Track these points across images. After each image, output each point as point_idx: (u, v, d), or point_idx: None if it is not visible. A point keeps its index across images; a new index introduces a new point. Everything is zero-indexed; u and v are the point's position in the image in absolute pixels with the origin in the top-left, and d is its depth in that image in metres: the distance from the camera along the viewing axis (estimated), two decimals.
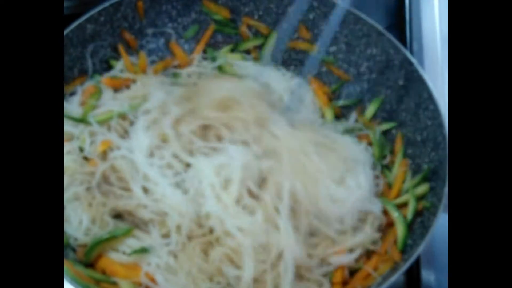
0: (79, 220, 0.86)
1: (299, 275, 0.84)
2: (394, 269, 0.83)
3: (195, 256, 0.84)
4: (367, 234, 0.88)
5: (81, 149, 0.93)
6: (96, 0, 1.19)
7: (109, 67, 1.06)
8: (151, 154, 0.91)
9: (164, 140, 0.92)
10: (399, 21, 1.27)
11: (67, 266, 0.78)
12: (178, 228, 0.85)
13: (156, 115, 0.94)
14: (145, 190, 0.88)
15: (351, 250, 0.88)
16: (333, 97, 1.09)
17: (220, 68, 1.08)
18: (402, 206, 0.90)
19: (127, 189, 0.88)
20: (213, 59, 1.09)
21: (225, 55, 1.10)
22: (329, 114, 1.05)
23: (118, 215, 0.89)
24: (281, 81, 1.06)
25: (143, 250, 0.83)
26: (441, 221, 0.95)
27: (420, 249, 0.80)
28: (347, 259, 0.87)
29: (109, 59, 1.06)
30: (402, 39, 1.23)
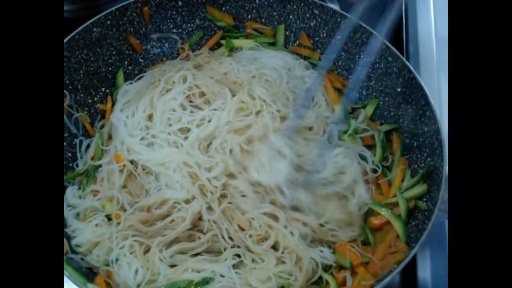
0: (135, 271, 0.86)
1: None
2: (389, 271, 0.84)
3: None
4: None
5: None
6: (101, 4, 1.22)
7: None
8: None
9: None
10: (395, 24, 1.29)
11: None
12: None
13: (131, 96, 1.02)
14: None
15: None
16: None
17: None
18: (396, 205, 0.92)
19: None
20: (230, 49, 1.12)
21: (241, 42, 1.12)
22: (339, 111, 1.05)
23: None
24: (297, 69, 1.08)
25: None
26: (437, 223, 0.97)
27: (414, 252, 0.81)
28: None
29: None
30: (398, 42, 1.25)
